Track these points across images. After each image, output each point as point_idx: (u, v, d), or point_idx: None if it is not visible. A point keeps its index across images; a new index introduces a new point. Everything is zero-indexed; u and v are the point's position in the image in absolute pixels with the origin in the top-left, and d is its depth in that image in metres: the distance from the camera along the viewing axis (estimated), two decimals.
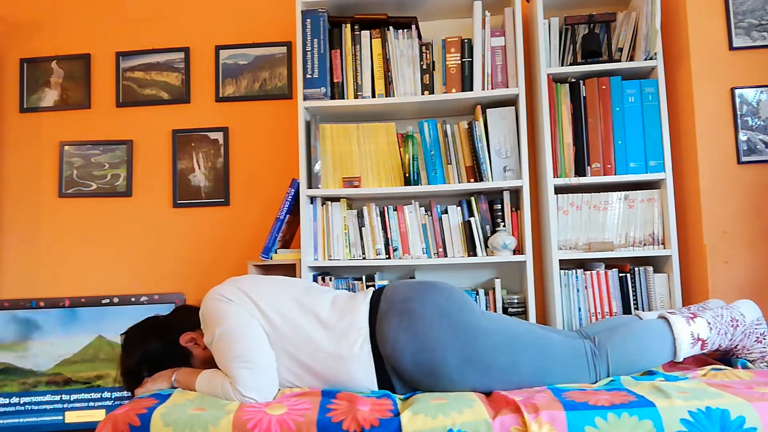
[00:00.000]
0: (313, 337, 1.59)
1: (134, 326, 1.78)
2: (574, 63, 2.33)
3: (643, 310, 2.16)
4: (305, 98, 2.35)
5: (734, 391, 1.42)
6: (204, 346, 1.70)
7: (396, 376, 1.60)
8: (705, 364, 1.76)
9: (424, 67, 2.37)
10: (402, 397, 1.57)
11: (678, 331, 1.63)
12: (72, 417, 2.27)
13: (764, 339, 1.68)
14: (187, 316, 1.76)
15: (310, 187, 2.35)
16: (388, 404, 1.43)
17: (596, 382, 1.60)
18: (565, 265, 2.27)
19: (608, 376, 1.61)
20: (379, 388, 1.60)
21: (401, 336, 1.56)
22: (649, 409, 1.32)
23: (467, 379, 1.56)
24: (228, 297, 1.61)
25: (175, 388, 1.63)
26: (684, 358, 1.67)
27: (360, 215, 2.38)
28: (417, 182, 2.34)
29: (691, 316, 1.68)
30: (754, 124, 2.08)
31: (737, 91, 2.09)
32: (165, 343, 1.71)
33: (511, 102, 2.37)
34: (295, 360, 1.59)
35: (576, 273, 2.21)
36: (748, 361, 1.70)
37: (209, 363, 1.69)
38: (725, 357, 1.78)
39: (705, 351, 1.68)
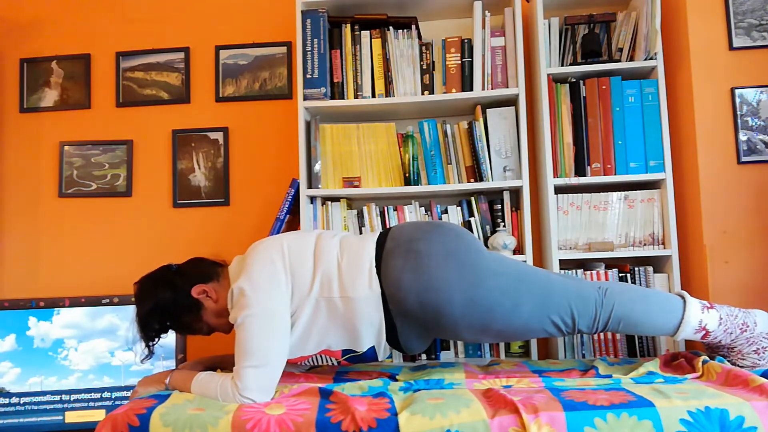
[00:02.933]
0: (327, 283, 1.61)
1: (147, 275, 1.75)
2: (574, 63, 2.33)
3: None
4: (305, 98, 2.35)
5: (733, 391, 1.42)
6: (216, 299, 1.70)
7: (400, 316, 1.61)
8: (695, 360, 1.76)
9: (424, 67, 2.37)
10: (399, 388, 1.58)
11: (689, 314, 1.64)
12: (72, 417, 2.27)
13: (763, 353, 1.68)
14: (201, 268, 1.75)
15: (310, 187, 2.35)
16: (385, 403, 1.43)
17: (594, 330, 1.65)
18: (565, 265, 2.27)
19: (606, 328, 1.64)
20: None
21: (406, 276, 1.58)
22: (649, 409, 1.32)
23: (469, 320, 1.59)
24: (274, 259, 1.62)
25: (169, 390, 1.62)
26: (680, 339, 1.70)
27: (360, 215, 2.38)
28: (417, 182, 2.34)
29: (708, 306, 1.68)
30: (754, 124, 2.08)
31: (737, 91, 2.09)
32: (176, 294, 1.68)
33: (511, 102, 2.37)
34: (319, 310, 1.61)
35: (576, 273, 2.21)
36: (737, 366, 1.69)
37: (222, 315, 1.69)
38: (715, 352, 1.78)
39: (704, 341, 1.70)
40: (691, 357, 1.77)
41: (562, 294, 1.63)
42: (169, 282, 1.71)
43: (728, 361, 1.70)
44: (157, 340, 1.71)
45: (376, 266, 1.62)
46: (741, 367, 1.68)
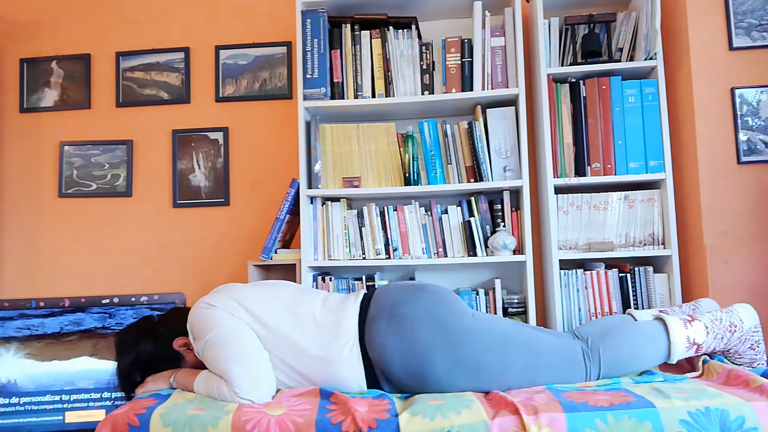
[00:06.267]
0: (301, 342, 1.58)
1: (127, 328, 1.78)
2: (574, 63, 2.32)
3: (643, 310, 2.15)
4: (305, 98, 2.35)
5: (734, 391, 1.42)
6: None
7: (385, 379, 1.60)
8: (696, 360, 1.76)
9: (424, 67, 2.37)
10: (399, 396, 1.57)
11: (674, 335, 1.63)
12: (72, 417, 2.27)
13: (758, 347, 1.67)
14: (181, 319, 1.75)
15: (310, 187, 2.35)
16: (385, 404, 1.43)
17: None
18: (565, 265, 2.27)
19: (599, 378, 1.61)
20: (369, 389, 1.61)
21: (389, 340, 1.56)
22: (649, 410, 1.33)
23: (456, 382, 1.56)
24: (215, 304, 1.61)
25: (174, 388, 1.63)
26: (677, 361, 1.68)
27: (360, 215, 2.38)
28: (417, 182, 2.34)
29: (689, 318, 1.67)
30: (754, 124, 2.08)
31: (737, 91, 2.09)
32: (157, 346, 1.71)
33: (511, 102, 2.37)
34: (285, 364, 1.59)
35: (576, 273, 2.21)
36: (736, 365, 1.68)
37: (201, 368, 1.68)
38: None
39: (699, 354, 1.68)
40: (690, 357, 1.77)
41: (551, 352, 1.61)
42: (150, 333, 1.73)
43: (727, 360, 1.70)
44: (137, 386, 1.72)
45: (360, 330, 1.60)
46: (739, 365, 1.67)
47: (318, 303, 1.68)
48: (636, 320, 1.71)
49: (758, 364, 1.69)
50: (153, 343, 1.71)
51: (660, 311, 1.78)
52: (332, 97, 2.37)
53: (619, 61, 2.29)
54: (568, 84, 2.29)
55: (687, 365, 1.74)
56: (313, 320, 1.62)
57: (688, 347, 1.64)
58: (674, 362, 1.66)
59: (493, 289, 2.31)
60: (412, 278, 2.50)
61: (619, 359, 1.61)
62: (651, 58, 2.21)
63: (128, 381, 1.71)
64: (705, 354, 1.74)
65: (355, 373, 1.58)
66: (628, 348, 1.63)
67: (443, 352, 1.55)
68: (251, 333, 1.58)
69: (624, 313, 2.04)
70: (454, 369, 1.55)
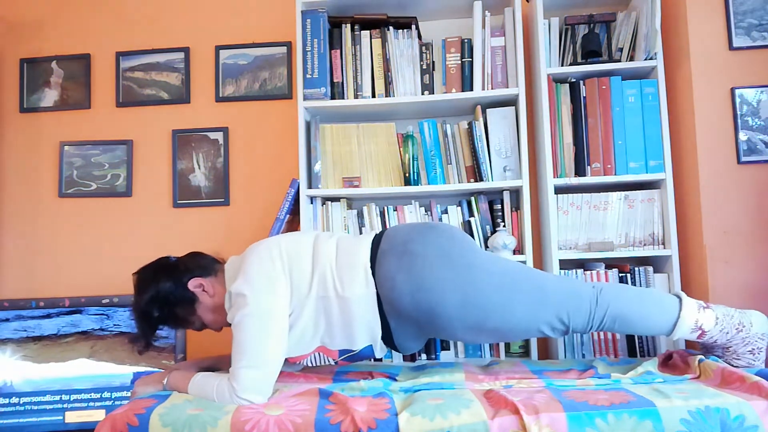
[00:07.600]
0: (323, 283, 1.62)
1: (146, 266, 1.77)
2: (574, 63, 2.32)
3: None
4: (305, 98, 2.34)
5: (733, 391, 1.42)
6: (213, 294, 1.71)
7: (395, 316, 1.62)
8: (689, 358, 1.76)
9: (424, 67, 2.37)
10: (399, 389, 1.58)
11: (685, 314, 1.64)
12: (72, 417, 2.27)
13: (759, 353, 1.68)
14: (199, 262, 1.76)
15: (310, 187, 2.35)
16: (385, 404, 1.43)
17: (589, 329, 1.64)
18: (565, 265, 2.27)
19: (601, 325, 1.64)
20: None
21: (399, 276, 1.58)
22: (649, 409, 1.33)
23: (464, 320, 1.59)
24: (273, 257, 1.63)
25: (168, 391, 1.63)
26: (677, 339, 1.70)
27: (360, 215, 2.38)
28: (417, 182, 2.34)
29: (705, 306, 1.69)
30: (754, 124, 2.08)
31: (737, 91, 2.09)
32: (175, 284, 1.70)
33: (511, 102, 2.37)
34: (317, 309, 1.62)
35: (576, 273, 2.21)
36: (731, 365, 1.68)
37: (216, 312, 1.70)
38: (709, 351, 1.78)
39: (700, 341, 1.70)
40: (685, 355, 1.77)
41: (557, 292, 1.64)
42: (168, 271, 1.73)
43: (723, 360, 1.70)
44: (155, 331, 1.73)
45: (371, 267, 1.63)
46: (736, 367, 1.68)
47: (333, 248, 1.69)
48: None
49: None
50: (171, 281, 1.70)
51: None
52: (332, 97, 2.37)
53: (619, 61, 2.29)
54: (568, 84, 2.29)
55: (681, 365, 1.75)
56: (331, 265, 1.64)
57: (693, 329, 1.65)
58: (674, 338, 1.68)
59: None
60: None
61: (625, 316, 1.64)
62: (651, 58, 2.21)
63: (146, 318, 1.70)
64: (702, 349, 1.75)
65: (373, 309, 1.61)
66: (638, 310, 1.65)
67: (452, 288, 1.57)
68: (282, 324, 1.59)
69: None
70: (462, 306, 1.58)
